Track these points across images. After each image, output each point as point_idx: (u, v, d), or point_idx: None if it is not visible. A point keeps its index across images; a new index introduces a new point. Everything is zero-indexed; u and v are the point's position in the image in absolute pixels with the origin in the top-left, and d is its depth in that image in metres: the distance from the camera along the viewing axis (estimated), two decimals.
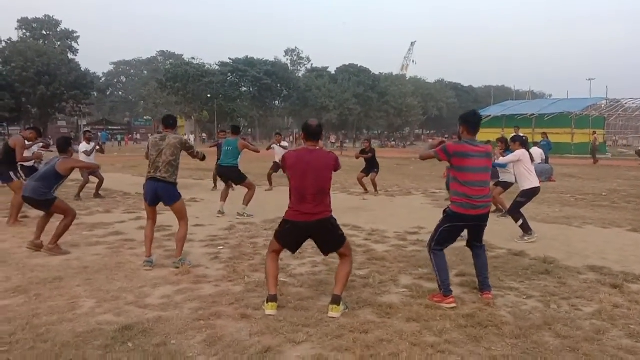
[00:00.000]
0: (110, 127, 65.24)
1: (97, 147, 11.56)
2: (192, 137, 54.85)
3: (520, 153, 7.30)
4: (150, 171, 5.70)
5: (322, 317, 4.15)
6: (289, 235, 4.35)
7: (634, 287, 5.03)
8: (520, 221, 7.21)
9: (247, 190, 9.36)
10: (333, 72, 76.52)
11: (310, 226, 4.24)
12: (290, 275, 5.38)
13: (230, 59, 64.59)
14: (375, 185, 12.40)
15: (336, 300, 4.22)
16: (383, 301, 4.57)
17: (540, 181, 15.38)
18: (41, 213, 6.53)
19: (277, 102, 71.56)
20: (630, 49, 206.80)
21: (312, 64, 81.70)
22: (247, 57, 65.22)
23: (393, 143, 59.25)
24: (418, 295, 4.72)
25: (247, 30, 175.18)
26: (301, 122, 74.82)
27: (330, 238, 4.36)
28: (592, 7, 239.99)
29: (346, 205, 10.70)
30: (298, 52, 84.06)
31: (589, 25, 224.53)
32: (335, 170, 4.47)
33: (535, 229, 7.51)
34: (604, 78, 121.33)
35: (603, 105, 38.08)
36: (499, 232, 7.61)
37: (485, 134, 37.57)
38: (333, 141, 54.88)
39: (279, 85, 65.84)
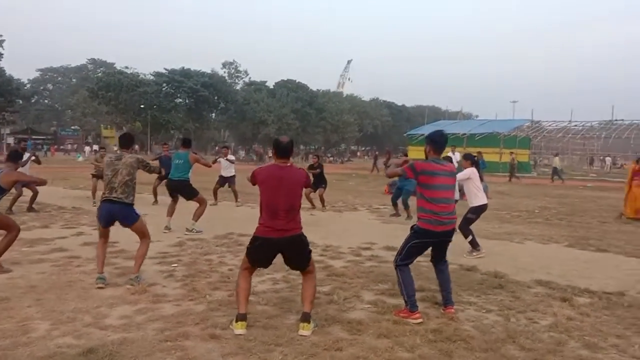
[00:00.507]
0: (34, 137, 61.80)
1: (33, 158, 10.93)
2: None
3: (470, 171, 7.59)
4: (105, 192, 5.49)
5: (292, 335, 4.11)
6: (260, 252, 4.30)
7: (582, 300, 5.34)
8: (470, 237, 7.48)
9: (197, 205, 9.15)
10: (271, 87, 76.72)
11: (281, 242, 4.21)
12: (253, 293, 5.28)
13: (165, 69, 63.31)
14: (323, 201, 12.47)
15: (306, 318, 4.20)
16: (350, 317, 4.59)
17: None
18: None
19: (213, 114, 70.64)
20: (551, 73, 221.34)
21: (249, 78, 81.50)
22: (183, 67, 64.07)
23: (331, 158, 59.85)
24: (383, 311, 4.78)
25: (182, 42, 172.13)
26: (238, 135, 74.77)
27: (301, 255, 4.35)
28: (514, 37, 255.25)
29: None
30: (236, 65, 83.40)
31: (511, 50, 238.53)
32: (306, 187, 4.48)
33: (481, 244, 7.82)
34: (527, 100, 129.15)
35: (527, 127, 40.33)
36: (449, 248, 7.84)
37: (419, 152, 39.14)
38: (270, 155, 54.87)
39: (216, 97, 65.05)
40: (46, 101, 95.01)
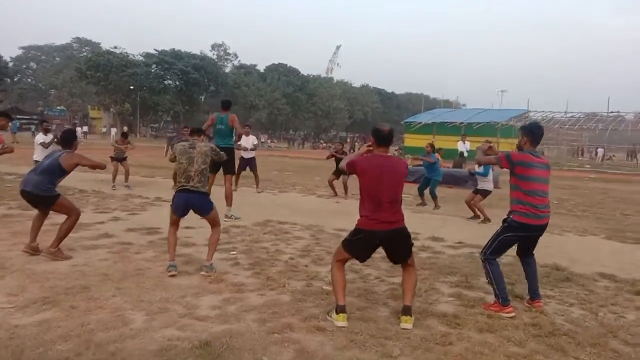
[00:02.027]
0: (20, 117, 60.30)
1: (55, 140, 10.61)
2: (113, 131, 52.08)
3: None
4: (181, 181, 5.33)
5: (395, 328, 4.05)
6: (362, 245, 4.18)
7: None
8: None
9: (227, 186, 8.82)
10: (262, 71, 75.95)
11: (386, 235, 4.11)
12: (329, 284, 5.20)
13: (155, 50, 62.02)
14: (346, 189, 12.37)
15: (408, 311, 4.13)
16: (441, 310, 4.53)
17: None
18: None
19: (203, 97, 69.73)
20: (547, 65, 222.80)
21: (239, 61, 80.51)
22: (173, 49, 62.95)
23: (324, 145, 59.55)
24: (470, 304, 4.72)
25: (170, 22, 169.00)
26: None
27: (404, 247, 4.25)
28: (506, 25, 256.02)
29: (327, 208, 10.62)
30: (225, 48, 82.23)
31: (502, 38, 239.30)
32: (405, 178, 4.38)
33: None
34: (517, 90, 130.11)
35: (523, 117, 40.57)
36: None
37: (416, 140, 39.22)
38: (263, 140, 54.48)
39: (206, 80, 64.12)
40: (29, 80, 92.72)
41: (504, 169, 4.83)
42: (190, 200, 5.34)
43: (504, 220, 4.69)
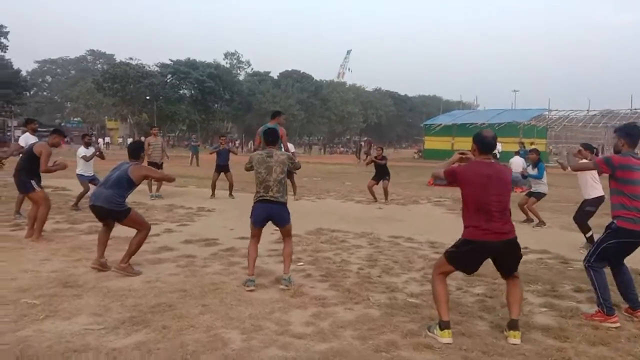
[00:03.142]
0: (40, 129, 60.76)
1: (97, 153, 10.55)
2: (129, 141, 52.36)
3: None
4: (260, 191, 5.18)
5: (501, 343, 3.85)
6: (472, 256, 3.96)
7: None
8: (590, 232, 7.22)
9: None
10: (275, 77, 76.10)
11: (498, 246, 3.89)
12: (412, 295, 5.01)
13: (170, 60, 62.47)
14: (387, 194, 12.18)
15: (515, 326, 3.91)
16: (541, 323, 4.31)
17: (521, 189, 15.83)
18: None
19: (218, 105, 70.06)
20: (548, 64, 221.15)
21: (252, 68, 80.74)
22: (188, 58, 63.34)
23: (342, 149, 59.40)
24: (568, 315, 4.50)
25: (182, 34, 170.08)
26: (244, 127, 74.15)
27: (515, 259, 4.02)
28: (514, 27, 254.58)
29: (372, 215, 10.42)
30: (238, 56, 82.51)
31: (513, 40, 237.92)
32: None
33: (578, 238, 7.60)
34: (527, 90, 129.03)
35: (548, 116, 40.11)
36: (554, 241, 7.61)
37: (436, 142, 38.95)
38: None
39: (221, 88, 64.38)
40: (45, 93, 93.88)
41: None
42: (271, 211, 5.19)
43: (608, 227, 4.46)
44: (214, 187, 12.64)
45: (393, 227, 8.90)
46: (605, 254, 4.40)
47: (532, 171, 9.57)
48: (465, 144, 33.48)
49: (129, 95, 57.42)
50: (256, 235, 5.33)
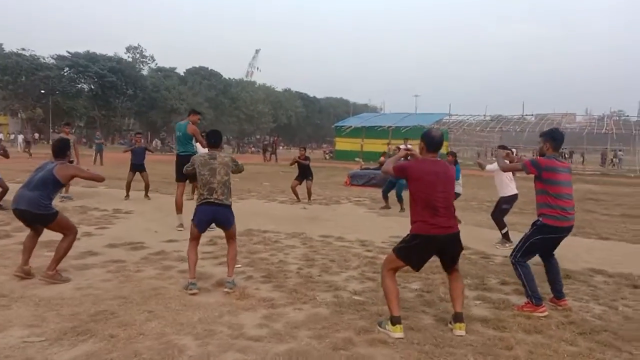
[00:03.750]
0: None
1: (1, 152, 9.68)
2: (20, 137, 48.28)
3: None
4: (204, 194, 5.04)
5: (448, 335, 4.06)
6: (420, 251, 4.12)
7: None
8: (505, 229, 7.76)
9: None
10: (182, 74, 73.92)
11: (444, 240, 4.09)
12: (356, 293, 5.12)
13: (68, 52, 58.51)
14: (309, 194, 12.30)
15: (460, 318, 4.14)
16: (478, 315, 4.58)
17: None
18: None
19: (119, 101, 66.71)
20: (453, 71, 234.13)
21: (156, 64, 77.74)
22: (88, 51, 59.72)
23: (253, 149, 58.86)
24: (500, 307, 4.82)
25: (80, 23, 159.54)
26: (147, 124, 71.32)
27: (458, 252, 4.26)
28: (418, 30, 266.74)
29: (298, 215, 10.47)
30: (141, 50, 79.13)
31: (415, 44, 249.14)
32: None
33: (493, 234, 8.19)
34: (427, 96, 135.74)
35: (449, 120, 42.44)
36: (472, 238, 8.12)
37: (347, 144, 39.82)
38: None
39: (124, 83, 61.40)
40: None
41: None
42: (216, 214, 5.07)
43: (533, 224, 4.84)
44: (128, 188, 12.06)
45: (321, 226, 9.02)
46: (531, 249, 4.78)
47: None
48: (373, 145, 34.52)
49: (21, 89, 53.01)
50: (197, 238, 5.19)
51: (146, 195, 12.25)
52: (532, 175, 4.88)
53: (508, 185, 7.90)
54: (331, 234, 8.22)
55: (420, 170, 4.15)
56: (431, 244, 4.10)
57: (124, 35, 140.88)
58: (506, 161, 5.85)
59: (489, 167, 8.35)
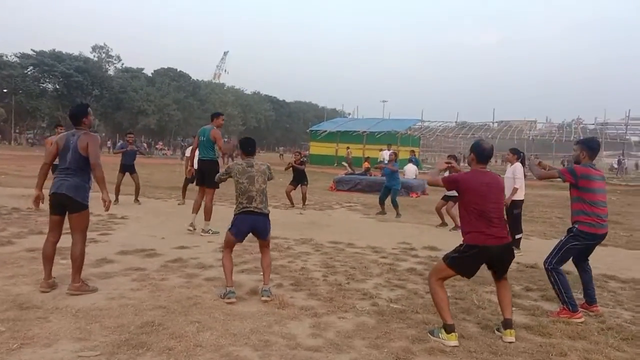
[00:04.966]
0: None
1: None
2: None
3: (519, 166, 7.94)
4: (243, 202, 4.96)
5: (499, 342, 4.09)
6: (475, 260, 4.15)
7: None
8: (520, 235, 7.88)
9: (207, 199, 8.40)
10: (150, 75, 72.51)
11: (498, 250, 4.13)
12: (392, 301, 5.11)
13: (33, 50, 56.58)
14: (304, 199, 12.24)
15: (510, 325, 4.18)
16: (517, 321, 4.61)
17: (416, 195, 16.85)
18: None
19: (85, 102, 64.82)
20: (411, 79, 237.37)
21: (123, 64, 75.97)
22: (53, 50, 57.92)
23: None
24: (536, 313, 4.90)
25: (43, 23, 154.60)
26: (113, 125, 69.70)
27: (509, 261, 4.30)
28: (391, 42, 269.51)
29: (297, 220, 10.40)
30: (107, 50, 77.15)
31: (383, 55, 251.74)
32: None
33: None
34: (397, 101, 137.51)
35: (422, 126, 43.01)
36: None
37: (322, 148, 39.88)
38: (159, 147, 52.14)
39: (90, 83, 59.74)
40: None
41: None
42: (256, 223, 4.99)
43: (569, 230, 4.94)
44: (118, 191, 11.71)
45: (325, 232, 8.98)
46: (566, 256, 4.88)
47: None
48: (347, 150, 34.37)
49: None
50: (232, 246, 5.10)
51: (136, 199, 11.96)
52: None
53: (522, 189, 7.98)
54: (340, 240, 8.19)
55: (472, 181, 4.19)
56: (486, 254, 4.13)
57: (90, 33, 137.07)
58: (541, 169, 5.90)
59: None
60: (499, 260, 4.23)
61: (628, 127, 39.64)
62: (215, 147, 8.53)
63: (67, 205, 4.87)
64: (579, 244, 4.86)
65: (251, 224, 5.00)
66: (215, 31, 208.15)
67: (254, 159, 5.25)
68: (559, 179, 5.08)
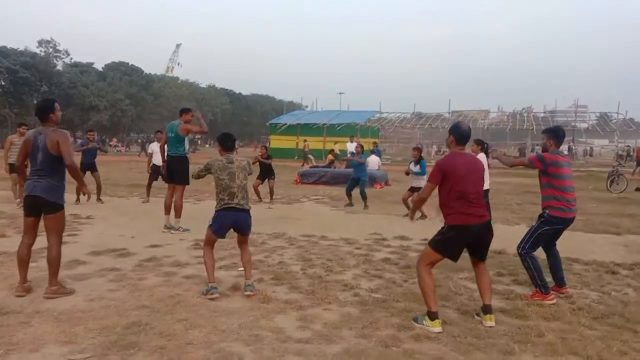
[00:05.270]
0: None
1: None
2: None
3: (483, 157, 8.16)
4: (224, 198, 4.94)
5: (479, 327, 4.25)
6: (457, 241, 4.23)
7: (623, 272, 6.29)
8: None
9: (177, 196, 8.33)
10: (100, 69, 70.32)
11: (479, 228, 4.24)
12: (373, 291, 5.20)
13: None
14: (272, 193, 12.22)
15: (489, 310, 4.34)
16: (494, 305, 4.79)
17: (380, 186, 17.10)
18: None
19: (32, 98, 62.29)
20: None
21: (71, 58, 73.25)
22: None
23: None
24: (510, 297, 5.09)
25: None
26: (64, 121, 67.06)
27: (489, 241, 4.41)
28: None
29: (267, 215, 10.38)
30: (54, 44, 74.14)
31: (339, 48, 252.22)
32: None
33: None
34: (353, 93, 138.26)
35: (380, 117, 43.43)
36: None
37: (282, 141, 39.76)
38: (112, 144, 50.71)
39: (38, 79, 57.40)
40: None
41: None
42: (237, 219, 4.99)
43: (540, 216, 5.15)
44: (79, 191, 11.38)
45: (297, 226, 9.02)
46: (538, 241, 5.10)
47: (414, 168, 10.41)
48: (311, 143, 34.45)
49: None
50: (213, 243, 5.09)
51: (99, 198, 11.65)
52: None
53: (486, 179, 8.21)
54: (312, 233, 8.25)
55: (452, 164, 4.28)
56: (468, 233, 4.21)
57: (35, 27, 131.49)
58: (510, 157, 6.11)
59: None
60: (480, 239, 4.33)
61: (577, 114, 41.23)
62: (185, 143, 8.44)
63: (43, 207, 4.73)
64: (550, 229, 5.07)
65: (233, 220, 5.00)
66: (166, 23, 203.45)
67: (234, 154, 5.24)
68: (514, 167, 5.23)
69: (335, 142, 29.82)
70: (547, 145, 5.21)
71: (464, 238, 4.27)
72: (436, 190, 4.42)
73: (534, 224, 5.21)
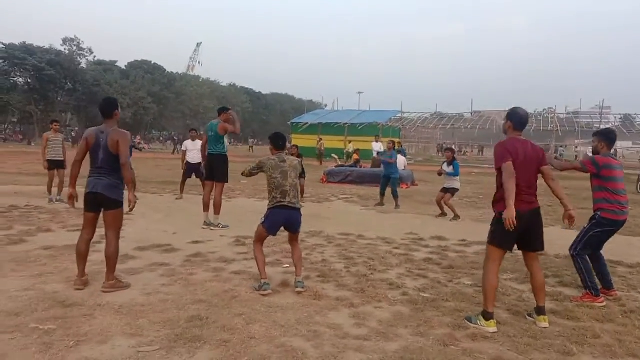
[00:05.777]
0: None
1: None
2: None
3: None
4: (277, 197, 5.03)
5: (535, 328, 4.25)
6: (512, 231, 4.10)
7: None
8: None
9: (217, 193, 8.48)
10: (123, 68, 71.28)
11: (531, 214, 4.18)
12: (421, 290, 5.24)
13: (2, 43, 54.95)
14: (302, 192, 12.29)
15: (543, 311, 4.34)
16: (547, 307, 4.81)
17: (407, 186, 17.06)
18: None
19: (57, 95, 63.39)
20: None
21: (95, 57, 74.34)
22: (24, 43, 56.36)
23: None
24: (559, 299, 5.09)
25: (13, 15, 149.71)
26: (87, 119, 68.39)
27: (541, 231, 4.32)
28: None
29: None
30: (78, 42, 75.34)
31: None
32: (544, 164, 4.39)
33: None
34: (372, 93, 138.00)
35: (401, 117, 43.32)
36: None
37: (303, 140, 39.79)
38: (137, 142, 51.22)
39: (63, 77, 58.40)
40: None
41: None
42: (289, 217, 5.08)
43: (592, 218, 5.13)
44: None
45: (331, 224, 9.08)
46: (590, 242, 5.08)
47: (447, 169, 10.39)
48: (330, 142, 34.62)
49: None
50: (263, 240, 5.18)
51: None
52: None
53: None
54: (349, 232, 8.30)
55: (514, 148, 4.20)
56: (517, 219, 4.05)
57: (59, 26, 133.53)
58: (562, 162, 6.09)
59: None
60: (530, 227, 4.23)
61: (602, 116, 40.65)
62: (224, 141, 8.59)
63: (103, 203, 4.87)
64: (600, 231, 5.06)
65: (285, 217, 5.08)
66: (187, 22, 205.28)
67: (285, 154, 5.32)
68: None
69: (350, 142, 29.92)
70: (599, 147, 5.18)
71: (518, 226, 4.08)
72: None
73: (585, 225, 5.19)
